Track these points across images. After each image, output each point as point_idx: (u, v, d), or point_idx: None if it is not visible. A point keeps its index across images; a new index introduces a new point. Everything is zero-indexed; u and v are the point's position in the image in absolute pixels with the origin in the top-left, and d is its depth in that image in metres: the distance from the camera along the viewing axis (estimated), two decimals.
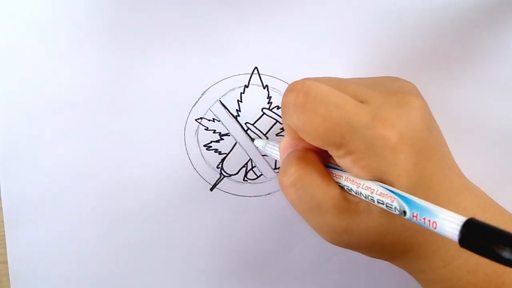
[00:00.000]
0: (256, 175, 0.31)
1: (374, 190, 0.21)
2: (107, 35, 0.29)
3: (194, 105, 0.30)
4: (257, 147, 0.31)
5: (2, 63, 0.29)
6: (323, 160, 0.24)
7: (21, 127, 0.29)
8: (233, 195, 0.31)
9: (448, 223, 0.17)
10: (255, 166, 0.31)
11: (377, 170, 0.21)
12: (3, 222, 0.30)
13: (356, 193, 0.22)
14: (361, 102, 0.22)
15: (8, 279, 0.31)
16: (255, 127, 0.31)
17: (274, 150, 0.27)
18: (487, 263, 0.22)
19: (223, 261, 0.32)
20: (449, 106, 0.30)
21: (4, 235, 0.30)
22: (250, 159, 0.31)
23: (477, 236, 0.16)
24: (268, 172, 0.31)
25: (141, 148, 0.30)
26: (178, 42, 0.29)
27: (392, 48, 0.30)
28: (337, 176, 0.23)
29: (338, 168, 0.24)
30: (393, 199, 0.20)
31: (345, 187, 0.23)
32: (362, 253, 0.25)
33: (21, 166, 0.30)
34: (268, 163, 0.31)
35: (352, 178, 0.22)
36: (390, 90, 0.24)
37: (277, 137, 0.31)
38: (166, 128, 0.30)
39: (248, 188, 0.31)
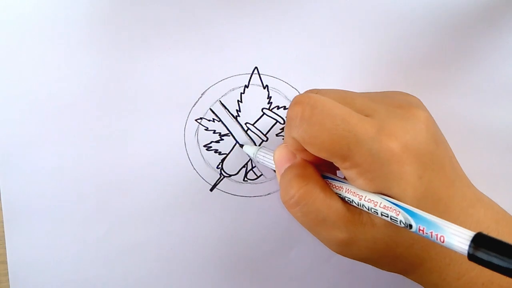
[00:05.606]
0: (256, 175, 0.31)
1: (377, 202, 0.21)
2: (106, 35, 0.29)
3: (194, 105, 0.30)
4: (247, 154, 0.30)
5: (2, 63, 0.29)
6: (320, 171, 0.24)
7: (21, 127, 0.29)
8: (233, 195, 0.31)
9: (457, 238, 0.17)
10: (255, 167, 0.31)
11: (383, 183, 0.21)
12: (3, 222, 0.30)
13: (357, 205, 0.22)
14: (367, 116, 0.22)
15: (8, 279, 0.31)
16: (255, 127, 0.31)
17: (267, 158, 0.27)
18: (502, 276, 0.22)
19: (223, 261, 0.32)
20: (448, 107, 0.30)
21: (4, 235, 0.30)
22: (250, 159, 0.31)
23: (487, 251, 0.16)
24: (268, 172, 0.31)
25: (141, 149, 0.30)
26: (178, 42, 0.29)
27: (392, 48, 0.30)
28: (337, 187, 0.23)
29: (336, 178, 0.24)
30: (398, 213, 0.20)
31: (346, 198, 0.23)
32: (376, 266, 0.25)
33: (21, 166, 0.30)
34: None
35: (353, 189, 0.22)
36: (395, 103, 0.24)
37: (266, 143, 0.31)
38: (166, 128, 0.30)
39: (248, 188, 0.31)
